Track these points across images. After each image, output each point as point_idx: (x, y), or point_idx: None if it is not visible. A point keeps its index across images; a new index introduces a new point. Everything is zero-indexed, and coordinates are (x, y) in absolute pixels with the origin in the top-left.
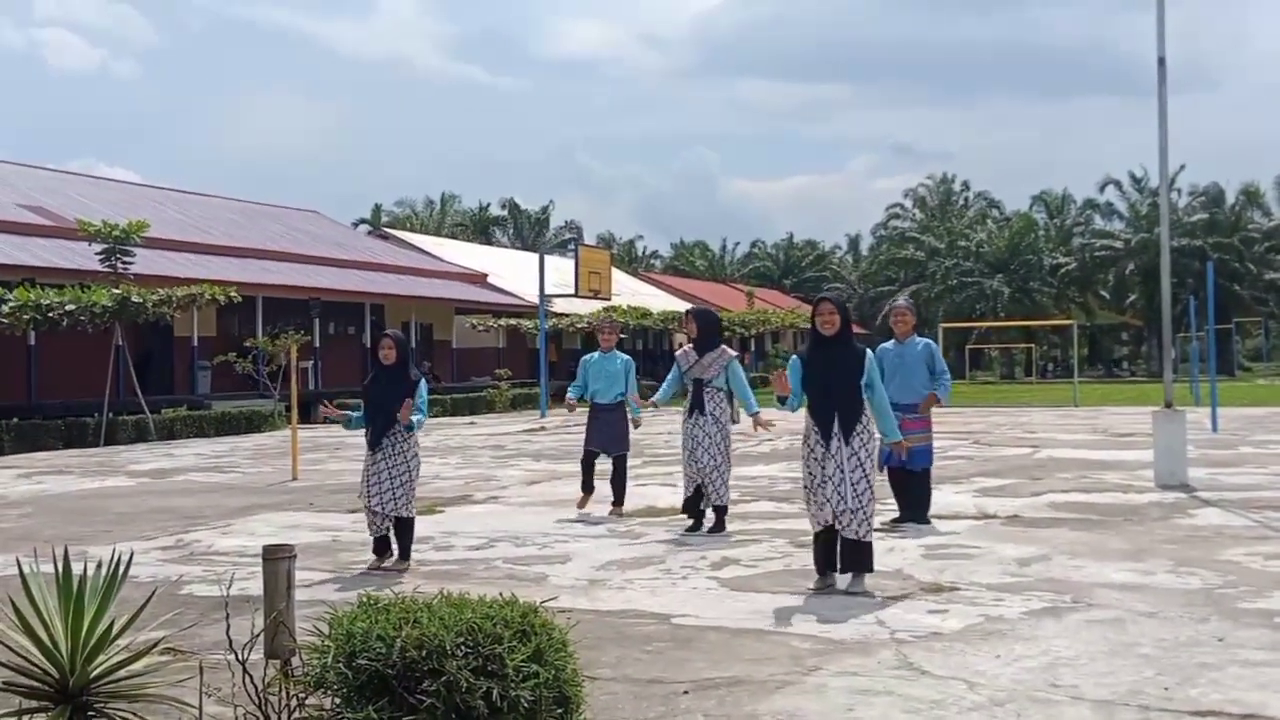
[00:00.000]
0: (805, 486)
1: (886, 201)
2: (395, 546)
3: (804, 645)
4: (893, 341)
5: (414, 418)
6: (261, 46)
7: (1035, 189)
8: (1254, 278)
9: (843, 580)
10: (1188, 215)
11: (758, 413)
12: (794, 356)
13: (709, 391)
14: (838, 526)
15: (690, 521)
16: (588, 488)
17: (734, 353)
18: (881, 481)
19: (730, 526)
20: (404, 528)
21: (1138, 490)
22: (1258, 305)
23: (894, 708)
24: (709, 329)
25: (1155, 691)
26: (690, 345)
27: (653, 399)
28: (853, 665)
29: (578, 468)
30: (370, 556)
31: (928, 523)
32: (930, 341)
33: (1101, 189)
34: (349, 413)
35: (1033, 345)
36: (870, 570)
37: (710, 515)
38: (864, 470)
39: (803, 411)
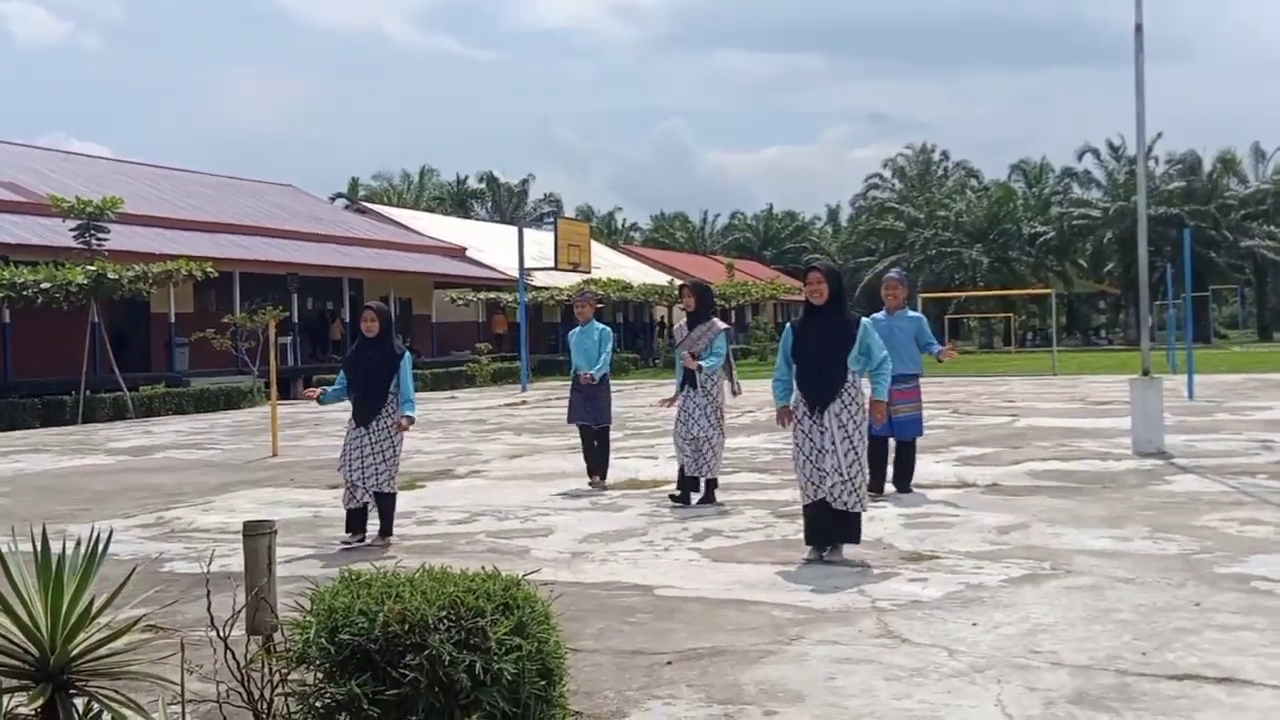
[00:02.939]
0: (796, 459)
1: (864, 172)
2: (377, 522)
3: (785, 615)
4: (883, 313)
5: (409, 413)
6: (232, 19)
7: (1014, 158)
8: (1230, 245)
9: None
10: (1165, 183)
11: (705, 367)
12: (788, 325)
13: None
14: (829, 498)
15: (678, 492)
16: (593, 470)
17: (724, 325)
18: None
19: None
20: (385, 503)
21: (1115, 458)
22: (1234, 273)
23: (875, 675)
24: (704, 302)
25: (1133, 656)
26: (684, 321)
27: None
28: (834, 634)
29: (559, 441)
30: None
31: (910, 492)
32: (921, 316)
33: (1079, 158)
34: (324, 388)
35: (1011, 314)
36: (856, 542)
37: (702, 487)
38: (852, 442)
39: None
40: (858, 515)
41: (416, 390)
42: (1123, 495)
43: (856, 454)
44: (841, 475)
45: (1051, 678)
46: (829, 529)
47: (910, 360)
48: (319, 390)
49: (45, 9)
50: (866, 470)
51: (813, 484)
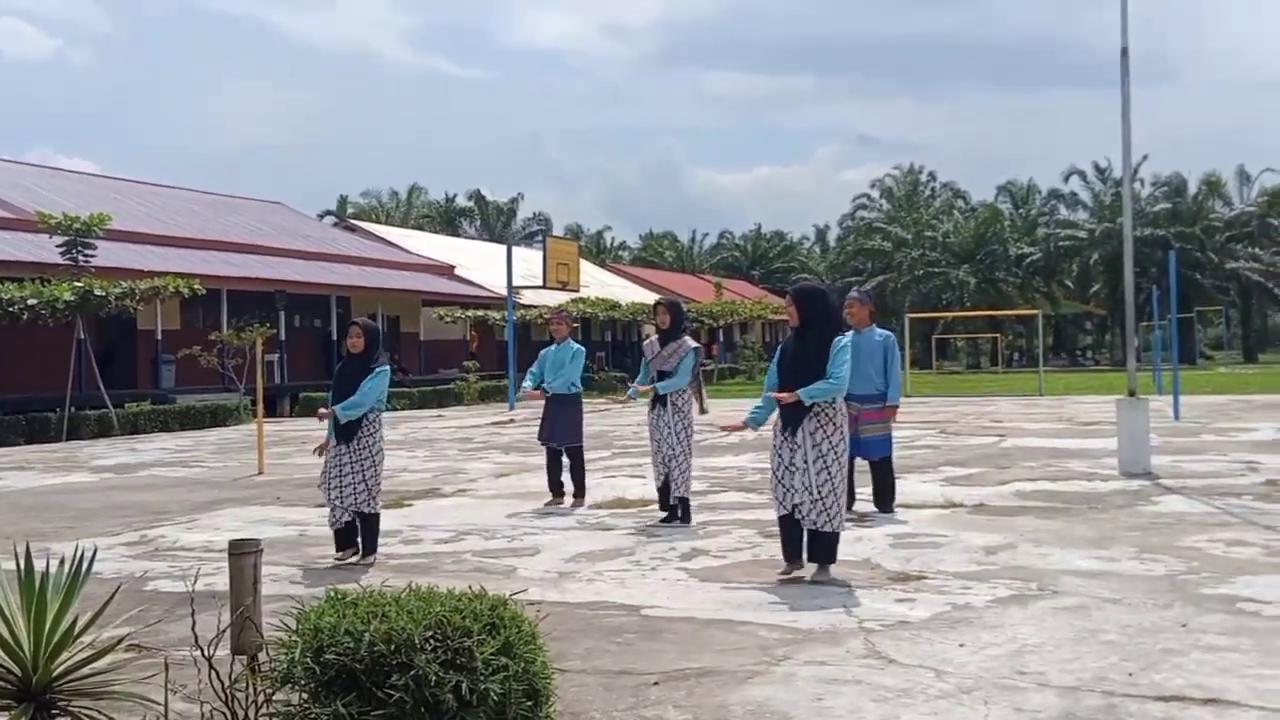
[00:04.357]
0: (772, 473)
1: (853, 192)
2: (360, 542)
3: (773, 635)
4: (850, 333)
5: (339, 410)
6: (222, 36)
7: (1001, 179)
8: (1215, 267)
9: (810, 569)
10: (1151, 205)
11: (659, 389)
12: (780, 345)
13: None
14: (797, 516)
15: (664, 513)
16: (556, 490)
17: (694, 344)
18: (863, 470)
19: (699, 517)
20: (367, 523)
21: (1102, 478)
22: (1219, 294)
23: (862, 696)
24: (677, 319)
25: (1119, 677)
26: (655, 337)
27: (627, 394)
28: (821, 655)
29: (545, 460)
30: (334, 551)
31: (892, 512)
32: (890, 334)
33: (1066, 179)
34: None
35: (998, 335)
36: (832, 561)
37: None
38: (825, 461)
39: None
40: (833, 535)
41: (401, 408)
42: (1109, 516)
43: (829, 474)
44: (811, 494)
45: (1039, 699)
46: (802, 547)
47: (876, 379)
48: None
49: (33, 25)
50: (842, 491)
51: (778, 499)
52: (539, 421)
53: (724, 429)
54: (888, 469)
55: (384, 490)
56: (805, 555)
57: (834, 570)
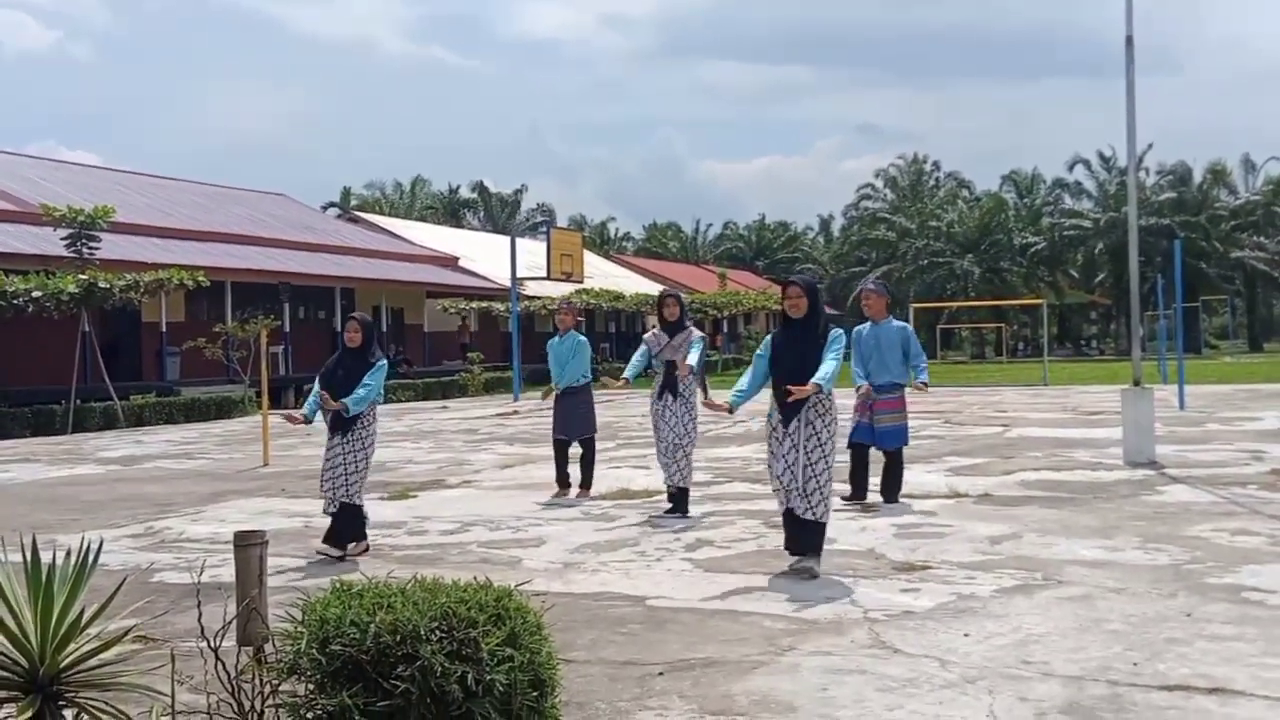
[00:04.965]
0: (769, 466)
1: (855, 182)
2: (339, 532)
3: (778, 625)
4: (868, 324)
5: (347, 401)
6: (224, 30)
7: (1005, 169)
8: (1220, 256)
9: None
10: (1155, 194)
11: (693, 366)
12: (767, 337)
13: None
14: (789, 504)
15: (669, 504)
16: (563, 481)
17: (700, 333)
18: (877, 460)
19: (704, 508)
20: (346, 513)
21: (1107, 468)
22: (1224, 283)
23: (867, 686)
24: (684, 311)
25: (1124, 666)
26: (659, 328)
27: (624, 375)
28: (826, 645)
29: (551, 450)
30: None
31: (897, 502)
32: (906, 324)
33: (1070, 168)
34: (303, 411)
35: (1003, 325)
36: (816, 551)
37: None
38: (821, 449)
39: (767, 392)
40: (820, 525)
41: (406, 400)
42: (1114, 505)
43: (812, 464)
44: (798, 484)
45: (1043, 688)
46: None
47: (894, 369)
48: (300, 413)
49: (33, 16)
50: (828, 481)
51: (785, 491)
52: (550, 415)
53: (706, 404)
54: (899, 460)
55: (389, 482)
56: (791, 543)
57: (838, 561)
